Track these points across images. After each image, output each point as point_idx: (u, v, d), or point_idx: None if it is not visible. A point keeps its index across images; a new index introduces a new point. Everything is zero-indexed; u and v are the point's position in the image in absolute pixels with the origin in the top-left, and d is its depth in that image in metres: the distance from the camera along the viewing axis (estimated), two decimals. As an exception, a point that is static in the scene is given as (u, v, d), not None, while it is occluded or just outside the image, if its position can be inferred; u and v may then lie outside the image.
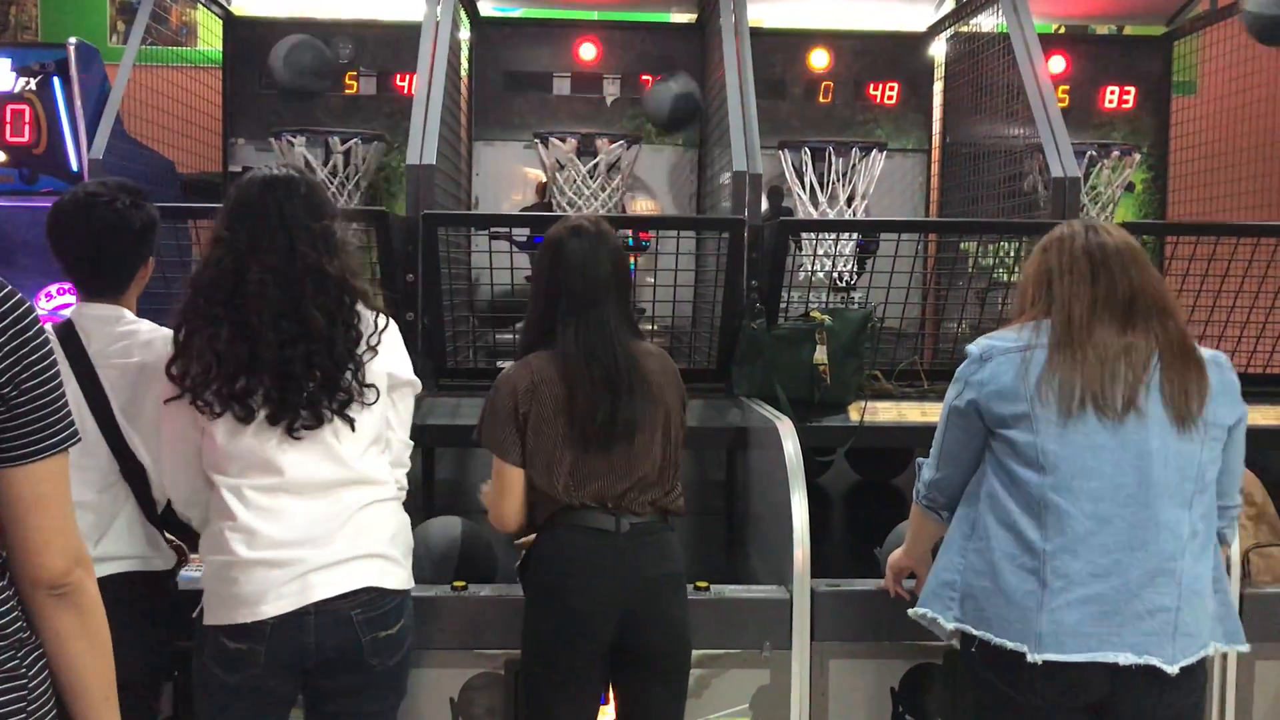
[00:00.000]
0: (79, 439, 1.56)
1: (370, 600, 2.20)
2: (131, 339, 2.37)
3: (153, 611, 2.36)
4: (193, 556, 2.93)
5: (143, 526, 2.37)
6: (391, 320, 2.35)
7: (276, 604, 2.13)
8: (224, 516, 2.18)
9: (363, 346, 2.24)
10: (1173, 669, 2.05)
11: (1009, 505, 2.15)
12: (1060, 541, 2.09)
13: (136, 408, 2.34)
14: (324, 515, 2.20)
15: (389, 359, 2.32)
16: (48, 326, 1.62)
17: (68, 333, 2.34)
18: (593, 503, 2.42)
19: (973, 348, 2.28)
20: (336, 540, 2.19)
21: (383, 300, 2.34)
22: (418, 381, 2.44)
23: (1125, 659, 2.04)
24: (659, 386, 2.48)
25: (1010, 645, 2.09)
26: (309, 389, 2.17)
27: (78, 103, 4.21)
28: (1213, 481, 2.16)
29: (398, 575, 2.29)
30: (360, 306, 2.25)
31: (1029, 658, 2.06)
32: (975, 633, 2.15)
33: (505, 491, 2.50)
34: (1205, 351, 2.22)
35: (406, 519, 2.39)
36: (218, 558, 2.18)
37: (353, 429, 2.23)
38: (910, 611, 2.33)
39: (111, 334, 2.36)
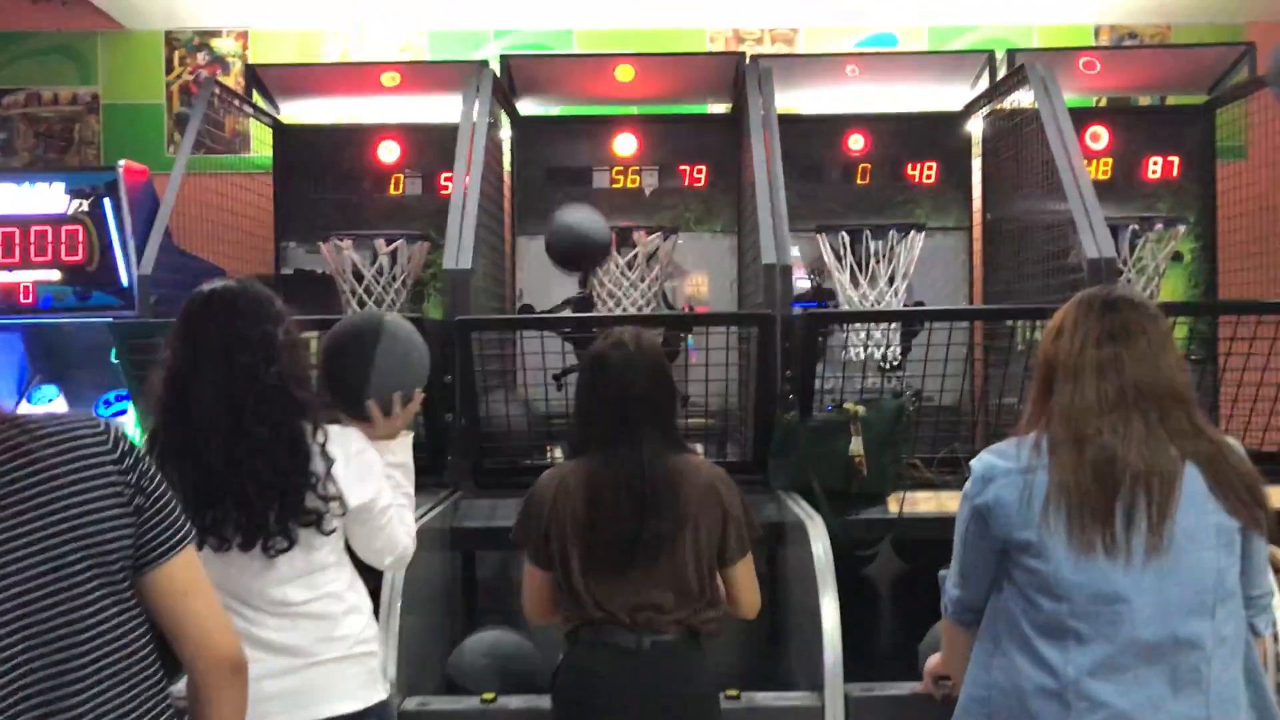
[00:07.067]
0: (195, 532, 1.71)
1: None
2: None
3: None
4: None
5: None
6: (333, 429, 2.26)
7: None
8: None
9: (315, 456, 2.17)
10: None
11: (1027, 631, 2.09)
12: (1082, 664, 2.03)
13: None
14: (309, 632, 2.19)
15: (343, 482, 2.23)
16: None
17: None
18: (615, 618, 2.41)
19: (976, 464, 2.19)
20: (316, 657, 2.18)
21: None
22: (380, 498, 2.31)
23: None
24: (693, 507, 2.43)
25: None
26: (272, 511, 2.13)
27: (127, 222, 4.39)
28: (1235, 584, 2.06)
29: (377, 687, 2.26)
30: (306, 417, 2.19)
31: None
32: None
33: (530, 590, 2.55)
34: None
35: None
36: None
37: (320, 542, 2.21)
38: None
39: None
